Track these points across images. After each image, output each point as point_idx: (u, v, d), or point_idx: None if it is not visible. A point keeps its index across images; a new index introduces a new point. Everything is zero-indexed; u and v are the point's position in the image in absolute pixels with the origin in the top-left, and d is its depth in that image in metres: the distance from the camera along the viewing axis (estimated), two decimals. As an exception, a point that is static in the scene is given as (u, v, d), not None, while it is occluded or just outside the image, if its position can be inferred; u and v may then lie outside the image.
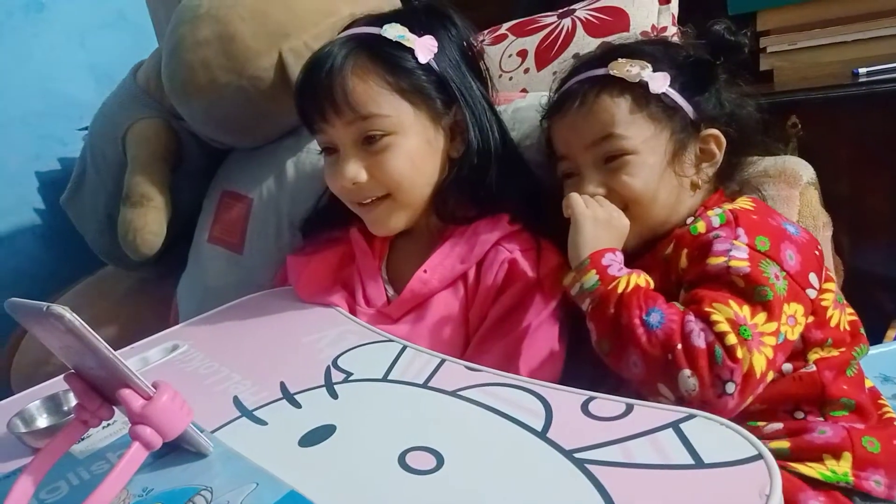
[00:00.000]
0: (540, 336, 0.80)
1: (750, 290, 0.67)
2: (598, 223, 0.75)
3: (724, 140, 0.79)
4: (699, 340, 0.64)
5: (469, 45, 0.91)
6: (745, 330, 0.64)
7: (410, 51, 0.85)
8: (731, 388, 0.63)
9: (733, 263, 0.68)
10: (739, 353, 0.63)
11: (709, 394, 0.63)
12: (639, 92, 0.78)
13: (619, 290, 0.70)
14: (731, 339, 0.63)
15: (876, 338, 1.09)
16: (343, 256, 0.95)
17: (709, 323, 0.65)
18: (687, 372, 0.63)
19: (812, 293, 0.72)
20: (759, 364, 0.64)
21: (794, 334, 0.69)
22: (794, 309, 0.69)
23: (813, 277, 0.72)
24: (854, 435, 0.70)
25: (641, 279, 0.71)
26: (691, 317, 0.66)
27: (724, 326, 0.64)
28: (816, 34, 1.30)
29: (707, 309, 0.66)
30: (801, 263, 0.71)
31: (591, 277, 0.72)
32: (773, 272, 0.68)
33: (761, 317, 0.66)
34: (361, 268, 0.92)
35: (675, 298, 0.73)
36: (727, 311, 0.65)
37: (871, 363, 0.94)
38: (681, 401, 0.64)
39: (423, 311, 0.84)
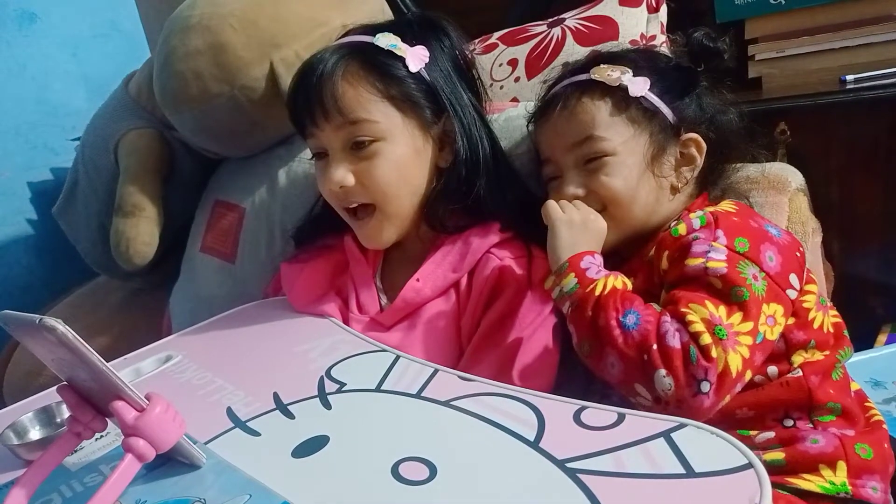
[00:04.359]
0: (534, 344, 0.80)
1: (726, 291, 0.68)
2: (574, 227, 0.76)
3: (704, 144, 0.81)
4: (674, 340, 0.65)
5: (462, 57, 0.92)
6: (720, 330, 0.65)
7: (402, 59, 0.85)
8: (706, 387, 0.63)
9: (711, 264, 0.69)
10: (714, 353, 0.64)
11: (684, 393, 0.63)
12: (619, 96, 0.79)
13: (597, 292, 0.71)
14: (706, 338, 0.64)
15: (866, 343, 1.10)
16: (337, 264, 0.96)
17: (684, 323, 0.66)
18: (662, 372, 0.64)
19: (792, 294, 0.72)
20: (735, 363, 0.64)
21: (773, 334, 0.70)
22: (774, 309, 0.70)
23: (793, 278, 0.73)
24: (846, 443, 0.70)
25: (619, 281, 0.72)
26: (667, 317, 0.67)
27: (699, 326, 0.65)
28: (804, 42, 1.31)
29: (683, 309, 0.67)
30: (781, 264, 0.72)
31: (570, 280, 0.73)
32: (752, 273, 0.69)
33: (737, 317, 0.67)
34: (355, 276, 0.92)
35: (658, 300, 0.73)
36: (703, 312, 0.66)
37: (861, 368, 0.95)
38: (657, 401, 0.65)
39: (416, 319, 0.85)
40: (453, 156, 0.87)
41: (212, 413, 0.68)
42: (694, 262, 0.70)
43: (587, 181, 0.80)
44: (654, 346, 0.65)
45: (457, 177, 0.86)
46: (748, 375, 0.67)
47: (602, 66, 0.81)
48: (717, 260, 0.69)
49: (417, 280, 0.85)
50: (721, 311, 0.67)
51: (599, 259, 0.75)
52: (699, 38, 0.82)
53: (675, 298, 0.69)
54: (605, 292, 0.70)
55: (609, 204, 0.79)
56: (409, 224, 0.89)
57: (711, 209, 0.77)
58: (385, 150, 0.84)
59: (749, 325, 0.67)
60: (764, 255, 0.71)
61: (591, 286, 0.71)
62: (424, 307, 0.85)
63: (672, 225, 0.78)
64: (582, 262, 0.73)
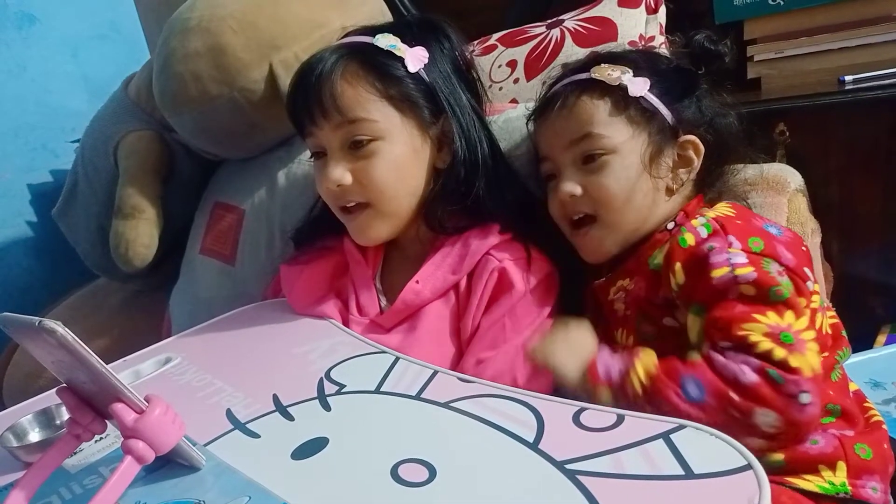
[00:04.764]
0: (533, 345, 0.80)
1: (764, 295, 0.66)
2: (565, 347, 0.72)
3: (702, 147, 0.80)
4: (748, 376, 0.62)
5: (462, 59, 0.92)
6: (786, 336, 0.63)
7: (401, 60, 0.86)
8: (806, 398, 0.61)
9: (738, 271, 0.68)
10: (793, 362, 0.62)
11: (792, 415, 0.61)
12: (618, 95, 0.79)
13: (639, 389, 0.66)
14: (779, 352, 0.62)
15: (866, 343, 1.10)
16: (337, 266, 0.95)
17: (747, 347, 0.63)
18: (759, 411, 0.61)
19: (811, 285, 0.72)
20: (814, 362, 0.63)
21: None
22: (801, 301, 0.69)
23: (808, 271, 0.73)
24: (846, 443, 0.70)
25: (647, 360, 0.67)
26: (720, 358, 0.64)
27: (766, 344, 0.63)
28: (803, 42, 1.31)
29: (740, 333, 0.64)
30: (795, 257, 0.72)
31: (604, 394, 0.68)
32: (776, 269, 0.68)
33: (790, 316, 0.65)
34: (355, 277, 0.92)
35: (665, 309, 0.73)
36: (760, 327, 0.64)
37: (861, 368, 0.95)
38: (771, 439, 0.62)
39: (416, 321, 0.85)
40: (451, 157, 0.87)
41: (211, 415, 0.68)
42: (720, 273, 0.68)
43: (584, 180, 0.79)
44: (734, 396, 0.61)
45: (455, 178, 0.86)
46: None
47: (603, 65, 0.81)
48: (743, 265, 0.68)
49: (417, 282, 0.85)
50: (773, 318, 0.65)
51: (606, 352, 0.71)
52: (700, 40, 0.82)
53: (720, 323, 0.66)
54: (648, 382, 0.66)
55: (602, 206, 0.79)
56: (407, 224, 0.89)
57: (712, 214, 0.76)
58: (383, 150, 0.84)
59: (805, 321, 0.66)
60: (778, 249, 0.71)
61: (629, 386, 0.66)
62: (424, 309, 0.85)
63: (672, 229, 0.78)
64: (599, 371, 0.68)
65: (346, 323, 0.88)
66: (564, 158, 0.81)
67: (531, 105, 0.91)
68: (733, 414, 0.61)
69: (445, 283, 0.85)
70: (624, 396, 0.66)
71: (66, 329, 0.51)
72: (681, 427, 0.53)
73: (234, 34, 1.04)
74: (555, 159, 0.83)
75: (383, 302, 0.90)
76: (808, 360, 0.63)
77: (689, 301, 0.72)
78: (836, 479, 0.69)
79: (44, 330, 0.51)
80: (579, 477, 0.50)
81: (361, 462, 0.57)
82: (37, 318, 0.52)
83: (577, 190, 0.79)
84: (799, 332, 0.65)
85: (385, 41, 0.86)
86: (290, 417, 0.66)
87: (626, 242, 0.81)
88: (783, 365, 0.62)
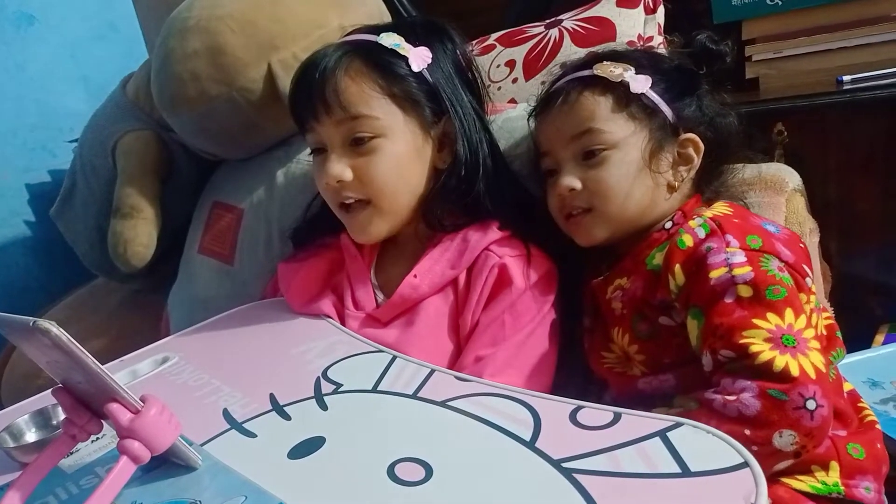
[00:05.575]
0: (533, 343, 0.80)
1: (762, 296, 0.66)
2: None
3: (702, 145, 0.80)
4: (751, 406, 0.61)
5: (465, 61, 0.92)
6: (788, 339, 0.63)
7: (405, 59, 0.86)
8: (812, 404, 0.61)
9: (736, 271, 0.68)
10: (794, 370, 0.61)
11: (807, 425, 0.61)
12: (620, 92, 0.79)
13: None
14: (778, 362, 0.62)
15: (864, 343, 1.10)
16: (333, 262, 0.95)
17: (748, 357, 0.63)
18: (775, 434, 0.61)
19: (809, 282, 0.72)
20: (817, 360, 0.63)
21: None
22: (801, 297, 0.69)
23: (806, 268, 0.73)
24: (838, 443, 0.70)
25: None
26: (718, 398, 0.63)
27: (767, 354, 0.62)
28: (801, 42, 1.31)
29: (742, 341, 0.64)
30: (794, 254, 0.72)
31: None
32: (776, 266, 0.68)
33: (790, 314, 0.65)
34: (351, 272, 0.92)
35: (661, 309, 0.73)
36: (761, 333, 0.64)
37: (859, 368, 0.95)
38: (797, 455, 0.62)
39: (413, 316, 0.85)
40: (452, 157, 0.87)
41: (208, 414, 0.68)
42: (718, 274, 0.69)
43: (584, 175, 0.80)
44: (747, 432, 0.61)
45: (456, 177, 0.86)
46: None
47: (605, 62, 0.81)
48: (740, 264, 0.68)
49: (415, 276, 0.85)
50: (773, 320, 0.65)
51: None
52: (702, 40, 0.82)
53: (720, 331, 0.66)
54: None
55: (599, 199, 0.79)
56: (404, 222, 0.89)
57: (710, 214, 0.76)
58: (385, 147, 0.84)
59: (804, 319, 0.66)
60: (777, 246, 0.71)
61: None
62: (422, 304, 0.85)
63: (669, 228, 0.79)
64: None
65: (342, 317, 0.88)
66: (565, 154, 0.81)
67: (532, 103, 0.91)
68: (753, 449, 0.59)
69: (444, 277, 0.84)
70: None
71: (61, 329, 0.51)
72: (678, 425, 0.53)
73: (233, 34, 1.04)
74: (555, 155, 0.83)
75: (380, 297, 0.90)
76: (811, 359, 0.63)
77: (687, 303, 0.72)
78: (828, 479, 0.68)
79: (38, 330, 0.51)
80: (576, 475, 0.50)
81: (358, 461, 0.57)
82: (31, 318, 0.51)
83: (577, 184, 0.80)
84: (800, 331, 0.65)
85: (389, 40, 0.86)
86: (286, 417, 0.66)
87: (618, 231, 0.81)
88: (784, 376, 0.62)
